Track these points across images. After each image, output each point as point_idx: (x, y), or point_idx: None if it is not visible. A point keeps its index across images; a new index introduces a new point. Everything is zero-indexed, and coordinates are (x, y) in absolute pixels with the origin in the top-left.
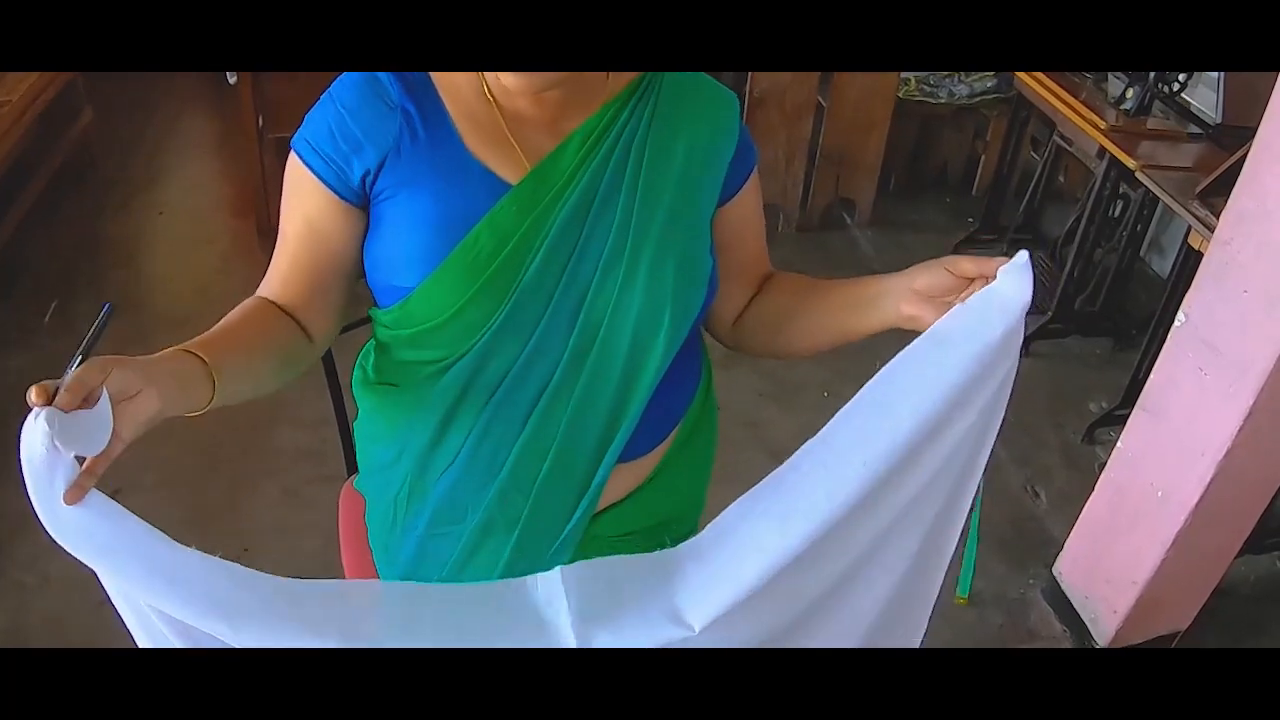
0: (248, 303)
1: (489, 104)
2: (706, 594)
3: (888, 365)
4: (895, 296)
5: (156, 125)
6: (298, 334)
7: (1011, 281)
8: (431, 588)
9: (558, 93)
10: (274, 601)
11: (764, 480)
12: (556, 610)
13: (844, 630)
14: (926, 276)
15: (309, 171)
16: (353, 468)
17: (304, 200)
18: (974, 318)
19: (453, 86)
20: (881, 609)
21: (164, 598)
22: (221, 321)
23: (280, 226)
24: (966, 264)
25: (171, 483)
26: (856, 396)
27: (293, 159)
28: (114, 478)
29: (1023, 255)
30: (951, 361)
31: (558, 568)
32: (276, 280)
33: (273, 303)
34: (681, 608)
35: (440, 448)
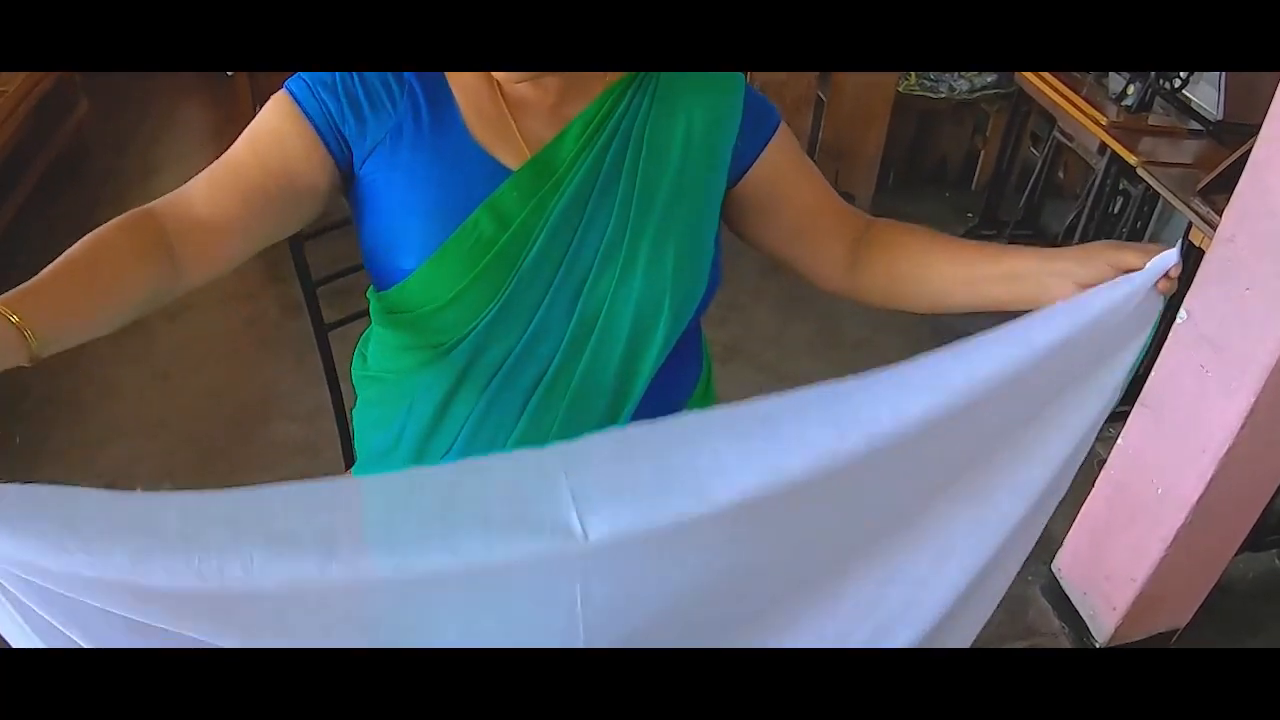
0: (108, 233)
1: (493, 89)
2: (738, 474)
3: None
4: (1058, 282)
5: (153, 117)
6: (162, 275)
7: (1152, 273)
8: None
9: (557, 77)
10: (238, 520)
11: (815, 386)
12: (554, 482)
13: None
14: (1091, 273)
15: (298, 108)
16: (349, 459)
17: (279, 126)
18: (1103, 304)
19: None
20: (933, 586)
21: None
22: (65, 257)
23: (231, 148)
24: (1131, 257)
25: (164, 477)
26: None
27: (279, 97)
28: (106, 472)
29: (1174, 252)
30: (1063, 339)
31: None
32: (202, 190)
33: (153, 229)
34: (705, 482)
35: (437, 434)
